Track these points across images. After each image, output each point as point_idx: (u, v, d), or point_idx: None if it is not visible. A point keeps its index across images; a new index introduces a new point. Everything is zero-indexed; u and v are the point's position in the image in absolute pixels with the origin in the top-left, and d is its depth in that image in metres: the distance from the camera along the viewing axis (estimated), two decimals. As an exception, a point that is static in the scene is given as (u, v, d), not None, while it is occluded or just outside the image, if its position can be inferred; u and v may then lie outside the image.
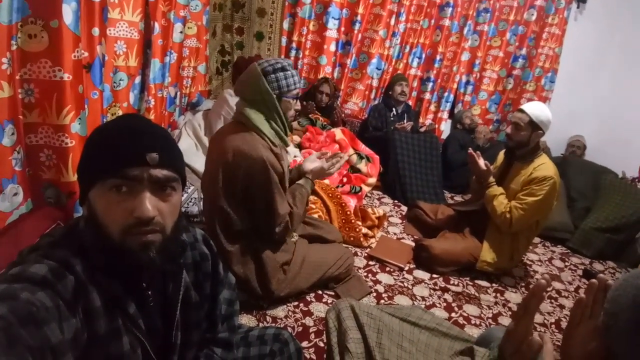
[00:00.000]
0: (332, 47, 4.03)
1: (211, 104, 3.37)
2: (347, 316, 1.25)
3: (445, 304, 2.23)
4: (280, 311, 1.94)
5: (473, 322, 2.12)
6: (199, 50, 3.28)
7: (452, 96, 4.54)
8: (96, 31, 1.86)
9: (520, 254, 2.59)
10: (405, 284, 2.34)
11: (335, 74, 4.18)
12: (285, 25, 3.94)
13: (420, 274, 2.47)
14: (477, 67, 4.46)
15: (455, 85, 4.50)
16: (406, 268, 2.49)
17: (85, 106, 1.83)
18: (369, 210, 2.89)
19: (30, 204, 1.70)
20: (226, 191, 1.73)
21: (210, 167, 1.81)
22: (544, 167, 2.31)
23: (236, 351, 1.11)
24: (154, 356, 0.82)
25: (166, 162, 0.77)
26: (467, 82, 4.56)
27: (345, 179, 3.21)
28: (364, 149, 3.54)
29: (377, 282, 2.32)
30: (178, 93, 3.08)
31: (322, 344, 1.76)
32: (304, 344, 1.75)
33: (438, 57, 4.33)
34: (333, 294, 2.11)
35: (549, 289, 2.55)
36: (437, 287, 2.36)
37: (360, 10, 3.94)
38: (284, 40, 3.98)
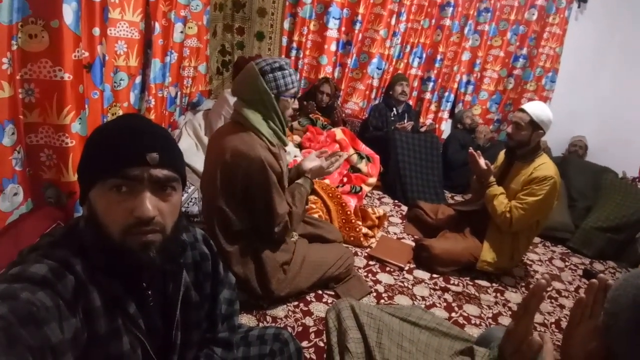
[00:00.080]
0: (333, 47, 4.02)
1: (212, 103, 3.37)
2: (347, 316, 1.25)
3: (445, 304, 2.23)
4: (280, 311, 1.94)
5: (473, 322, 2.12)
6: (200, 50, 3.29)
7: (452, 96, 4.53)
8: (97, 31, 1.86)
9: (521, 253, 2.59)
10: (406, 284, 2.34)
11: (336, 74, 4.18)
12: (286, 25, 3.94)
13: (421, 273, 2.47)
14: (478, 67, 4.46)
15: (455, 85, 4.49)
16: (406, 268, 2.49)
17: (86, 106, 1.83)
18: (369, 210, 2.89)
19: (31, 203, 1.70)
20: (224, 191, 1.73)
21: (208, 167, 1.81)
22: (544, 166, 2.31)
23: (236, 351, 1.11)
24: (154, 356, 0.82)
25: (166, 162, 0.77)
26: (468, 82, 4.56)
27: (345, 179, 3.21)
28: (364, 148, 3.54)
29: (377, 282, 2.32)
30: (178, 93, 3.08)
31: (322, 344, 1.76)
32: (304, 343, 1.75)
33: (439, 57, 4.33)
34: (333, 293, 2.11)
35: (549, 289, 2.55)
36: (437, 287, 2.36)
37: (361, 10, 3.94)
38: (284, 40, 3.98)
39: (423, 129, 4.03)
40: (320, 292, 2.10)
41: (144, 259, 0.75)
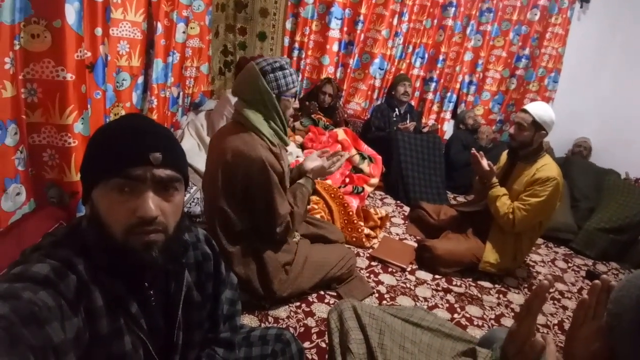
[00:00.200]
0: (335, 47, 4.02)
1: (214, 104, 3.38)
2: (349, 317, 1.25)
3: (447, 305, 2.22)
4: (282, 312, 1.93)
5: (475, 323, 2.12)
6: (202, 50, 3.29)
7: (454, 96, 4.52)
8: (99, 31, 1.87)
9: (523, 254, 2.58)
10: (408, 285, 2.33)
11: (338, 74, 4.18)
12: (288, 26, 3.94)
13: (423, 274, 2.46)
14: (480, 67, 4.45)
15: (458, 86, 4.48)
16: (408, 269, 2.48)
17: (88, 106, 1.84)
18: (372, 210, 2.89)
19: (33, 203, 1.70)
20: (226, 192, 1.73)
21: (210, 167, 1.81)
22: (547, 167, 2.30)
23: (238, 351, 1.11)
24: (155, 356, 0.82)
25: (169, 161, 0.77)
26: (470, 82, 4.55)
27: (347, 179, 3.20)
28: (366, 149, 3.53)
29: (379, 282, 2.31)
30: (181, 93, 3.09)
31: (324, 345, 1.76)
32: (306, 344, 1.75)
33: (441, 57, 4.32)
34: (335, 294, 2.11)
35: (551, 290, 2.54)
36: (439, 288, 2.35)
37: (363, 10, 3.94)
38: (286, 40, 3.98)
39: (425, 130, 4.03)
40: (322, 292, 2.10)
41: (147, 258, 0.75)
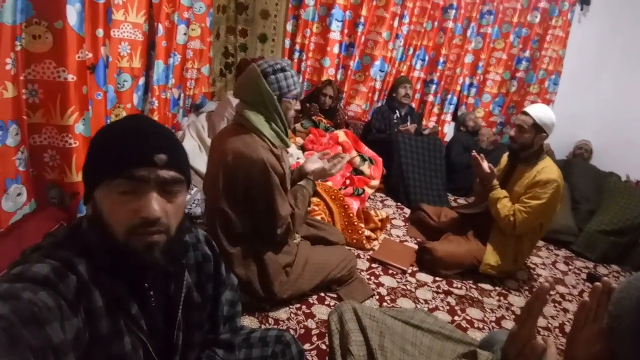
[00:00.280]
0: (336, 49, 4.03)
1: (215, 105, 3.38)
2: (349, 319, 1.25)
3: (448, 307, 2.22)
4: (282, 313, 1.93)
5: (476, 325, 2.11)
6: (203, 52, 3.30)
7: (455, 98, 4.52)
8: (100, 32, 1.87)
9: (524, 257, 2.57)
10: (408, 287, 2.33)
11: (339, 76, 4.18)
12: (289, 28, 3.95)
13: (423, 276, 2.46)
14: (481, 70, 4.46)
15: (458, 88, 4.49)
16: (409, 271, 2.48)
17: (89, 107, 1.84)
18: (372, 212, 2.89)
19: (34, 204, 1.71)
20: (226, 193, 1.73)
21: (211, 169, 1.81)
22: (547, 170, 2.30)
23: (238, 352, 1.10)
24: (155, 357, 0.81)
25: (173, 163, 0.77)
26: (471, 85, 4.55)
27: (348, 181, 3.20)
28: (367, 151, 3.53)
29: (379, 284, 2.31)
30: (182, 95, 3.09)
31: (324, 347, 1.76)
32: (306, 346, 1.75)
33: (441, 60, 4.33)
34: (335, 296, 2.11)
35: (552, 292, 2.54)
36: (440, 290, 2.35)
37: (364, 12, 3.94)
38: (287, 42, 3.99)
39: (426, 132, 4.03)
40: (322, 294, 2.10)
41: (148, 259, 0.75)
